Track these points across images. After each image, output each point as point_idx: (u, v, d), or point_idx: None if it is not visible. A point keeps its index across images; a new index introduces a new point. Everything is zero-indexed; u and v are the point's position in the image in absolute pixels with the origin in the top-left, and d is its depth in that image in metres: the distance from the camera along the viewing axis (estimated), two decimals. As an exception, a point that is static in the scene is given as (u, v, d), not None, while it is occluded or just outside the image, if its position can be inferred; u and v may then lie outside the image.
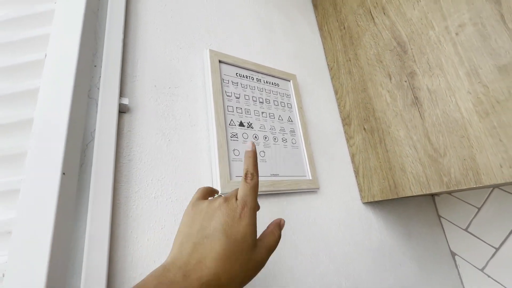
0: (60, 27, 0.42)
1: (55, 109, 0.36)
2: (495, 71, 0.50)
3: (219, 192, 0.48)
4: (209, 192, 0.35)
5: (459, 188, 0.53)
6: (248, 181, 0.30)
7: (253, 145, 0.32)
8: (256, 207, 0.29)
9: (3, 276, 0.30)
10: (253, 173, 0.30)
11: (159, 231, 0.43)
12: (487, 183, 0.50)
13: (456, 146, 0.55)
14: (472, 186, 0.52)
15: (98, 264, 0.35)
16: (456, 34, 0.56)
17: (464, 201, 0.87)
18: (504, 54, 0.49)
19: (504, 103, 0.49)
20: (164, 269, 0.23)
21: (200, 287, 0.22)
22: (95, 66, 0.46)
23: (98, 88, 0.44)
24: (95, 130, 0.41)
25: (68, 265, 0.34)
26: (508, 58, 0.49)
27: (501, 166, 0.48)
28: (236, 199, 0.29)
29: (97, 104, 0.43)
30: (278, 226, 0.32)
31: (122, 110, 0.46)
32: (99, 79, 0.45)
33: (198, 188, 0.40)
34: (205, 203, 0.30)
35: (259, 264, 0.27)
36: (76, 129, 0.38)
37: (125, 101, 0.45)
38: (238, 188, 0.31)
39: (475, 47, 0.53)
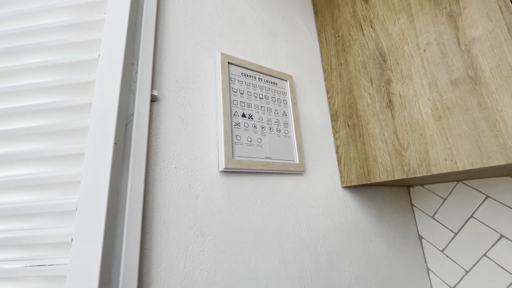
0: (109, 33, 0.55)
1: (108, 97, 0.50)
2: (448, 84, 0.63)
3: (224, 167, 0.62)
4: None
5: (414, 176, 0.67)
6: None
7: None
8: None
9: (76, 209, 0.45)
10: None
11: (177, 193, 0.57)
12: (434, 172, 0.63)
13: (416, 142, 0.68)
14: (424, 175, 0.65)
15: (135, 210, 0.49)
16: (424, 50, 0.68)
17: (433, 192, 1.01)
18: (456, 70, 0.62)
19: (452, 110, 0.62)
20: None
21: None
22: (132, 64, 0.59)
23: (135, 82, 0.58)
24: (133, 113, 0.55)
25: (117, 208, 0.48)
26: (458, 74, 0.61)
27: (445, 160, 0.61)
28: None
29: (134, 94, 0.57)
30: None
31: (152, 100, 0.59)
32: (136, 74, 0.58)
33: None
34: None
35: None
36: (122, 112, 0.51)
37: (155, 92, 0.58)
38: None
39: (436, 63, 0.66)
